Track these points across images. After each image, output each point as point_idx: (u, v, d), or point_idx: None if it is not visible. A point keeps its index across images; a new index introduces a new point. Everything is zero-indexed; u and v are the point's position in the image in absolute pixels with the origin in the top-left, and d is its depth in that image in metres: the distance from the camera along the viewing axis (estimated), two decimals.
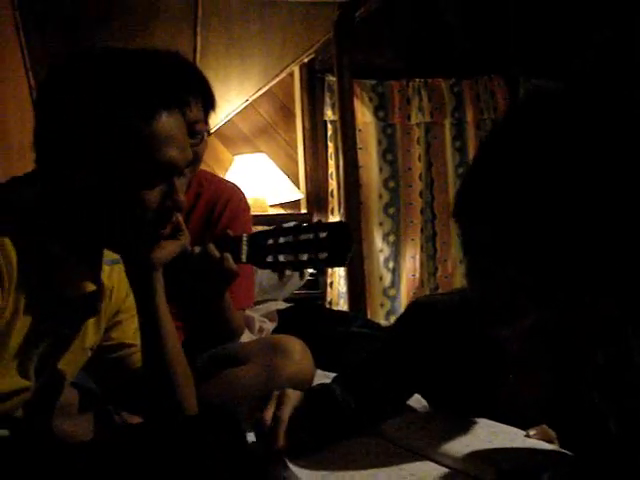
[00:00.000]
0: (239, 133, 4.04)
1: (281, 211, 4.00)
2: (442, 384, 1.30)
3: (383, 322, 3.78)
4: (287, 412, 1.13)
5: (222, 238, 1.35)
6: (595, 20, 3.69)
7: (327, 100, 4.03)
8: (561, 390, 1.15)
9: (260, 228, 1.43)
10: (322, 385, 1.30)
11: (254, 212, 3.16)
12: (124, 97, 0.97)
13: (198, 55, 3.06)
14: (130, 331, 1.22)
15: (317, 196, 4.10)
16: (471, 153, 4.24)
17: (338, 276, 3.97)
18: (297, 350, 1.58)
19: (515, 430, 1.16)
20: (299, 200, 4.06)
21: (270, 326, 2.63)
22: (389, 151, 4.17)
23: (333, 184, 4.04)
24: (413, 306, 1.38)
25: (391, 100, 4.15)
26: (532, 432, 1.14)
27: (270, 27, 3.17)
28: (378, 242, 4.13)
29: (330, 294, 3.99)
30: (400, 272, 4.17)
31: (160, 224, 1.05)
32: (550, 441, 1.13)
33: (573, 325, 0.81)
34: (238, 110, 3.76)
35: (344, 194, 3.47)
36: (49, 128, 0.99)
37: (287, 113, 4.13)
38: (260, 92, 3.72)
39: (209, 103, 1.59)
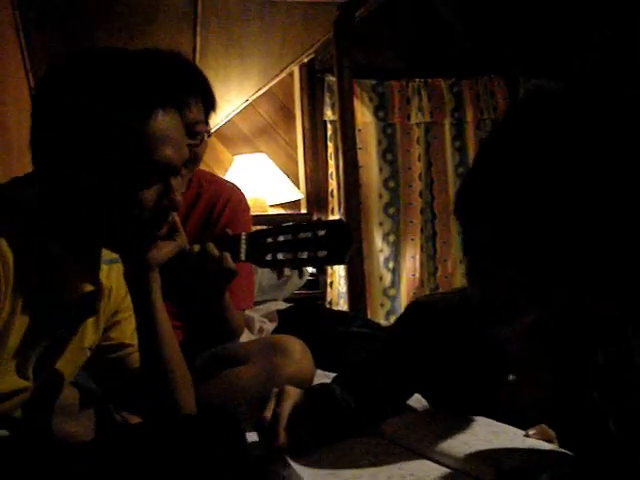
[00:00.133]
0: (239, 133, 4.04)
1: (281, 211, 4.00)
2: (442, 384, 1.30)
3: (383, 322, 3.78)
4: (287, 408, 1.14)
5: (221, 237, 1.35)
6: (595, 20, 3.69)
7: (327, 100, 4.03)
8: (561, 390, 1.15)
9: (260, 228, 1.43)
10: (322, 385, 1.30)
11: (254, 212, 3.17)
12: (121, 96, 0.97)
13: (198, 55, 3.06)
14: (129, 331, 1.22)
15: (317, 196, 4.10)
16: (471, 153, 4.24)
17: (338, 276, 3.97)
18: (297, 350, 1.58)
19: (515, 430, 1.16)
20: (299, 200, 4.06)
21: (270, 326, 2.63)
22: (389, 151, 4.17)
23: (333, 184, 4.04)
24: (413, 306, 1.38)
25: (391, 100, 4.16)
26: (532, 432, 1.14)
27: (270, 27, 3.16)
28: (378, 242, 4.13)
29: (330, 294, 3.99)
30: (400, 272, 4.17)
31: (157, 224, 1.05)
32: (550, 441, 1.13)
33: (573, 325, 0.81)
34: (238, 110, 3.76)
35: (344, 194, 3.47)
36: (47, 127, 0.99)
37: (287, 113, 4.14)
38: (260, 92, 3.73)
39: (209, 104, 1.59)
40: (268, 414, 1.14)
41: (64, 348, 1.11)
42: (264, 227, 1.39)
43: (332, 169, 4.04)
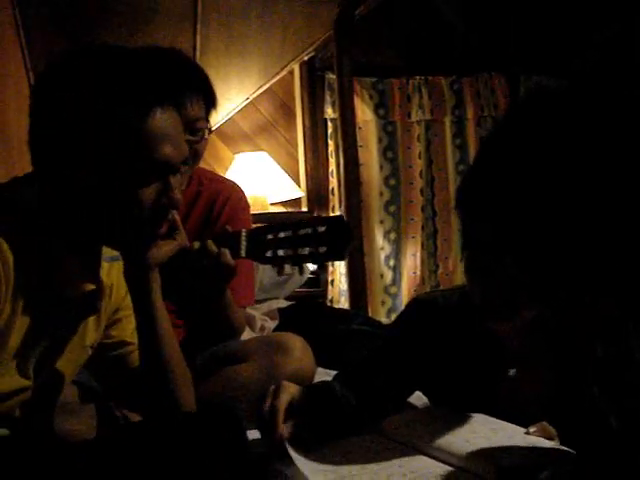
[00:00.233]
0: (239, 131, 4.04)
1: (282, 209, 4.00)
2: (443, 381, 1.30)
3: (384, 320, 3.78)
4: (284, 401, 1.14)
5: (221, 234, 1.35)
6: (595, 18, 3.68)
7: (327, 98, 4.03)
8: (562, 387, 1.15)
9: (260, 225, 1.43)
10: (322, 382, 1.30)
11: (255, 210, 3.17)
12: (120, 94, 0.97)
13: (198, 53, 3.05)
14: (130, 329, 1.22)
15: (318, 194, 4.10)
16: (471, 150, 4.24)
17: (339, 274, 3.97)
18: (297, 347, 1.58)
19: (515, 427, 1.16)
20: (300, 198, 4.06)
21: (271, 324, 2.63)
22: (389, 149, 4.17)
23: (334, 182, 4.03)
24: (413, 303, 1.38)
25: (391, 98, 4.15)
26: (532, 429, 1.14)
27: (270, 25, 3.16)
28: (379, 240, 4.13)
29: (331, 292, 3.99)
30: (401, 270, 4.17)
31: (156, 222, 1.04)
32: (550, 438, 1.13)
33: (573, 324, 0.81)
34: (238, 108, 3.76)
35: (345, 192, 3.46)
36: (46, 126, 0.99)
37: (287, 111, 4.13)
38: (260, 90, 3.72)
39: (210, 101, 1.59)
40: (265, 408, 1.14)
41: (65, 347, 1.11)
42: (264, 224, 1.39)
43: (333, 167, 4.04)
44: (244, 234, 1.32)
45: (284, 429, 1.11)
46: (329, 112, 4.03)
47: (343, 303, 3.88)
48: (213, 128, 1.65)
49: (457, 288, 1.38)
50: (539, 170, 0.73)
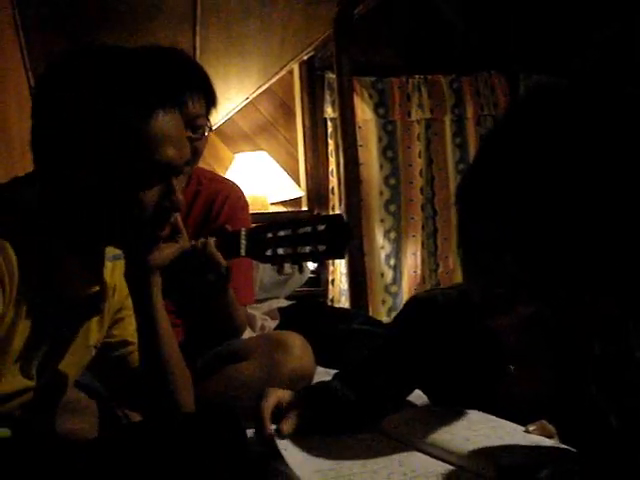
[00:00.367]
0: (239, 131, 4.04)
1: (282, 209, 4.00)
2: (442, 379, 1.31)
3: (385, 319, 3.79)
4: (271, 402, 1.15)
5: (221, 233, 1.35)
6: (595, 17, 3.68)
7: (327, 97, 4.03)
8: (561, 386, 1.15)
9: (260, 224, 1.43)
10: (322, 382, 1.30)
11: (255, 210, 3.18)
12: (121, 95, 0.97)
13: (198, 53, 3.05)
14: (131, 328, 1.22)
15: (318, 193, 4.10)
16: (471, 149, 4.24)
17: (339, 273, 3.98)
18: (297, 345, 1.58)
19: (515, 425, 1.16)
20: (300, 198, 4.06)
21: (272, 324, 2.63)
22: (389, 148, 4.17)
23: (334, 181, 4.04)
24: (412, 302, 1.38)
25: (391, 97, 4.15)
26: (532, 427, 1.14)
27: (269, 25, 3.16)
28: (379, 239, 4.13)
29: (331, 291, 3.99)
30: (401, 269, 4.17)
31: (158, 225, 1.04)
32: (550, 436, 1.13)
33: (573, 322, 0.81)
34: (238, 108, 3.76)
35: (345, 191, 3.47)
36: (47, 126, 0.99)
37: (287, 111, 4.14)
38: (260, 90, 3.72)
39: (210, 100, 1.60)
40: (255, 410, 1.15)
41: (68, 348, 1.11)
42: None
43: (333, 166, 4.04)
44: (244, 233, 1.32)
45: (284, 426, 1.11)
46: (329, 111, 4.03)
47: (344, 302, 3.88)
48: (213, 128, 1.65)
49: (456, 286, 1.38)
50: (539, 168, 0.73)
